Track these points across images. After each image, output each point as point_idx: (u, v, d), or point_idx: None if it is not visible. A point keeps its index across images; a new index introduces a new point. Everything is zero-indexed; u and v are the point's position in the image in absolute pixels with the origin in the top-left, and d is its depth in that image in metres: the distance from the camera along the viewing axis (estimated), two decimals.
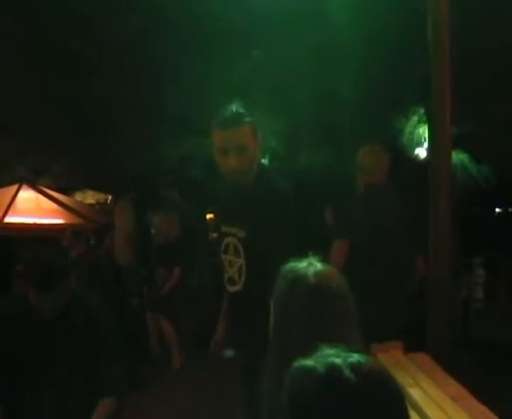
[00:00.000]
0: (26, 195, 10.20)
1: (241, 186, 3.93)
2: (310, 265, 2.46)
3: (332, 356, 1.65)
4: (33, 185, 10.58)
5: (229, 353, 5.09)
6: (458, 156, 8.00)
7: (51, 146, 13.65)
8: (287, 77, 12.57)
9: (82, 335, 3.93)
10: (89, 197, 14.48)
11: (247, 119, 3.82)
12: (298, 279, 2.41)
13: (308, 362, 1.67)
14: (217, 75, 12.66)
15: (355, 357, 1.65)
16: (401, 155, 11.84)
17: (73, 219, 10.31)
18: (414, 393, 2.98)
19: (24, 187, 10.26)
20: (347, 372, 1.59)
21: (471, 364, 5.94)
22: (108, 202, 14.58)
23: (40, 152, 13.81)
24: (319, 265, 2.46)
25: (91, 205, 13.54)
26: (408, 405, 2.63)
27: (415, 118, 12.94)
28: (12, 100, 13.09)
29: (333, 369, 1.61)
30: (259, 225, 3.65)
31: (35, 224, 9.64)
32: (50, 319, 3.89)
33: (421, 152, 12.52)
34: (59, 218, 10.09)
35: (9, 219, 9.61)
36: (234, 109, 3.82)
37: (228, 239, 4.01)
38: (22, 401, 3.90)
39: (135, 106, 12.91)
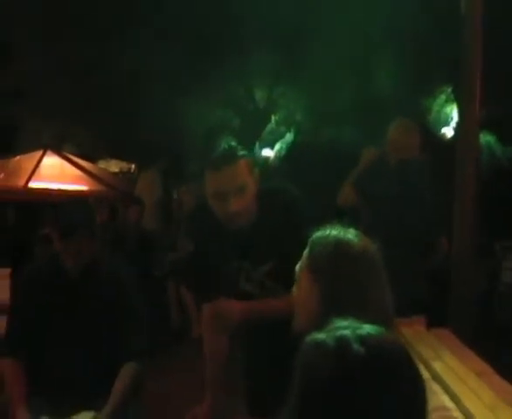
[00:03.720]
0: (50, 162, 10.18)
1: (243, 227, 3.43)
2: (345, 231, 2.39)
3: (343, 329, 1.64)
4: (58, 151, 10.56)
5: None
6: (484, 138, 7.91)
7: (77, 114, 13.71)
8: (314, 52, 12.51)
9: (107, 298, 3.98)
10: (113, 166, 14.50)
11: (241, 153, 3.38)
12: (343, 244, 2.34)
13: (319, 336, 1.65)
14: (246, 52, 12.66)
15: (365, 329, 1.64)
16: (428, 134, 11.76)
17: (97, 186, 10.29)
18: (437, 366, 2.96)
19: (49, 153, 10.20)
20: (356, 345, 1.57)
21: (494, 344, 5.89)
22: (132, 170, 14.60)
23: (65, 120, 13.85)
24: (351, 230, 2.40)
25: (114, 173, 13.57)
26: (426, 378, 2.67)
27: (442, 97, 12.85)
28: (38, 68, 13.14)
29: (342, 342, 1.60)
30: (286, 254, 2.97)
31: (59, 190, 9.64)
32: (75, 278, 3.95)
33: (448, 131, 12.44)
34: (83, 185, 10.08)
35: (33, 184, 9.63)
36: (227, 146, 3.36)
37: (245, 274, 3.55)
38: (46, 361, 3.95)
39: (163, 77, 12.93)
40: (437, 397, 2.56)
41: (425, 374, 2.83)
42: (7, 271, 8.78)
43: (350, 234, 2.38)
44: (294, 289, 2.50)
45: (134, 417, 3.91)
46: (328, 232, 2.39)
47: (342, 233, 2.37)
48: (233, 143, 3.38)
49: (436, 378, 2.84)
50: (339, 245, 2.34)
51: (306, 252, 2.44)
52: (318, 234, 2.42)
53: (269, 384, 3.09)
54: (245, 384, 3.81)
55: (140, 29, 12.68)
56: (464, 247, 5.25)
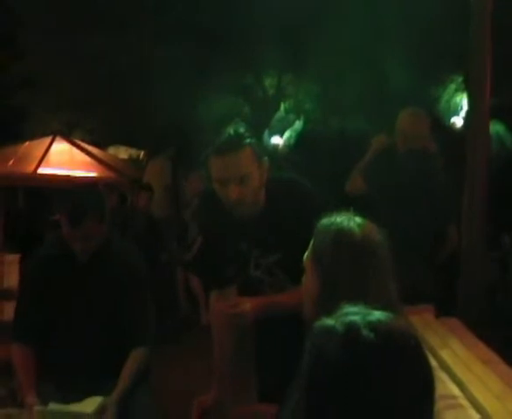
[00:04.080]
0: (60, 148, 10.25)
1: (248, 216, 3.40)
2: (350, 219, 2.41)
3: (352, 314, 1.65)
4: (67, 138, 10.60)
5: None
6: (494, 127, 7.87)
7: (87, 101, 13.75)
8: (324, 40, 12.50)
9: (116, 283, 3.99)
10: (122, 152, 14.49)
11: (248, 140, 3.28)
12: (344, 232, 2.36)
13: (329, 321, 1.65)
14: (259, 39, 12.65)
15: (375, 315, 1.64)
16: (437, 123, 11.74)
17: (106, 173, 10.35)
18: (444, 354, 2.98)
19: (58, 139, 10.26)
20: (365, 331, 1.58)
21: (503, 334, 5.89)
22: (141, 157, 14.63)
23: (76, 107, 13.90)
24: (357, 218, 2.42)
25: (123, 160, 13.59)
26: (433, 366, 2.68)
27: (452, 86, 12.83)
28: (49, 57, 13.18)
29: (351, 328, 1.60)
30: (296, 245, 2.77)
31: (68, 176, 9.67)
32: (84, 261, 3.97)
33: (458, 120, 12.42)
34: (92, 171, 10.12)
35: (42, 171, 9.67)
36: (232, 131, 3.28)
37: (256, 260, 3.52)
38: (54, 346, 3.97)
39: (174, 65, 12.93)
40: (444, 385, 2.57)
41: (433, 363, 2.66)
42: (17, 256, 8.87)
43: (353, 222, 2.39)
44: (303, 278, 2.52)
45: (142, 402, 3.89)
46: (332, 220, 2.41)
47: (345, 221, 2.39)
48: (242, 130, 3.33)
49: (443, 366, 2.85)
50: (339, 233, 2.36)
51: (313, 238, 2.45)
52: (323, 222, 2.44)
53: (280, 374, 2.99)
54: (256, 374, 3.79)
55: (152, 19, 12.72)
56: (473, 237, 5.24)
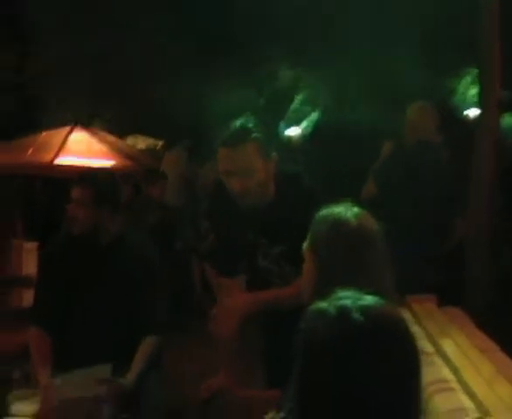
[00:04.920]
0: (78, 137, 10.26)
1: (255, 207, 3.48)
2: (347, 209, 2.46)
3: (344, 298, 1.71)
4: (85, 127, 10.61)
5: None
6: (508, 119, 7.85)
7: (106, 91, 13.77)
8: (341, 33, 12.45)
9: (129, 271, 4.13)
10: (140, 142, 14.51)
11: (253, 135, 3.35)
12: (339, 222, 2.41)
13: (322, 304, 1.72)
14: (273, 30, 12.63)
15: (367, 300, 1.71)
16: (452, 115, 11.69)
17: (124, 162, 10.35)
18: (442, 342, 3.01)
19: (76, 129, 10.29)
20: (356, 314, 1.64)
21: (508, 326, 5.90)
22: (158, 147, 14.62)
23: (94, 97, 13.92)
24: (355, 208, 2.48)
25: (141, 150, 13.63)
26: (430, 352, 2.82)
27: (468, 78, 12.73)
28: (68, 47, 13.21)
29: (343, 311, 1.67)
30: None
31: (86, 166, 9.74)
32: (99, 251, 4.13)
33: (472, 113, 12.35)
34: (110, 160, 10.10)
35: (60, 160, 9.70)
36: (239, 125, 3.38)
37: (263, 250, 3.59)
38: (69, 332, 4.09)
39: (190, 57, 12.98)
40: (438, 370, 2.62)
41: (430, 349, 2.92)
42: (35, 244, 8.97)
43: (351, 212, 2.45)
44: (304, 266, 2.58)
45: (152, 389, 3.99)
46: (329, 211, 2.48)
47: (342, 211, 2.45)
48: (249, 124, 3.40)
49: (440, 352, 2.89)
50: (336, 223, 2.42)
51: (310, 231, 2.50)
52: (321, 213, 2.51)
53: (288, 363, 3.10)
54: (263, 363, 3.90)
55: (166, 11, 12.73)
56: (479, 226, 5.24)
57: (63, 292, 4.10)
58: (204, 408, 3.57)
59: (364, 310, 1.66)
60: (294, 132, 13.59)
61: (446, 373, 2.61)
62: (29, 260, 9.09)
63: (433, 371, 2.57)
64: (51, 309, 4.11)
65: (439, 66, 12.29)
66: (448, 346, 2.95)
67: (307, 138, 13.28)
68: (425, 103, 5.77)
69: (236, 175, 3.34)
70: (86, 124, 10.86)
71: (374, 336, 1.64)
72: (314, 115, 13.82)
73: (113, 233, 4.16)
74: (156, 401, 3.91)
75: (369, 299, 1.71)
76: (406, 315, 3.21)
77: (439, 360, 2.79)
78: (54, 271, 4.19)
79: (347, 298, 1.71)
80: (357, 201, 2.60)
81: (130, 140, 14.01)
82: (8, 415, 3.02)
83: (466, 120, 12.13)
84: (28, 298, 7.67)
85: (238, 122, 3.40)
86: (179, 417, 5.22)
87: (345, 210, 2.46)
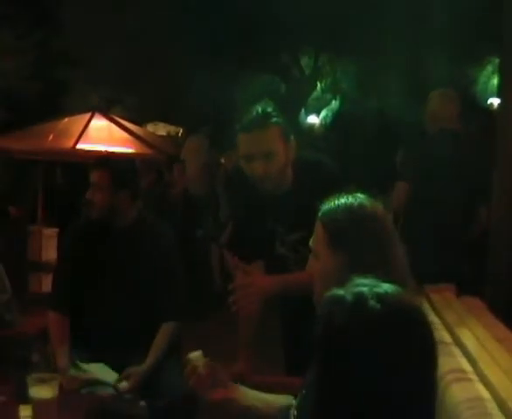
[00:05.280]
0: (98, 124, 10.34)
1: (274, 193, 3.51)
2: (354, 197, 2.42)
3: (362, 286, 1.72)
4: (105, 114, 10.65)
5: None
6: None
7: (126, 77, 13.81)
8: (364, 21, 12.41)
9: (148, 257, 4.11)
10: (160, 129, 14.50)
11: (275, 119, 3.40)
12: (355, 209, 2.38)
13: (339, 291, 1.73)
14: (296, 17, 12.61)
15: (383, 287, 1.72)
16: (474, 104, 11.65)
17: (144, 149, 10.45)
18: (459, 331, 2.96)
19: (97, 115, 10.38)
20: (372, 302, 1.65)
21: None
22: (179, 134, 14.61)
23: (115, 84, 13.96)
24: (360, 195, 2.44)
25: (162, 137, 13.60)
26: (447, 342, 2.79)
27: (489, 68, 12.68)
28: (89, 31, 13.26)
29: (359, 298, 1.67)
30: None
31: (106, 152, 9.76)
32: (118, 237, 4.16)
33: (495, 102, 12.30)
34: (130, 147, 10.19)
35: (81, 146, 9.79)
36: (260, 110, 3.40)
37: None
38: (89, 316, 4.12)
39: (210, 44, 12.98)
40: (455, 360, 2.60)
41: (448, 339, 2.88)
42: (55, 231, 9.02)
43: (360, 198, 2.42)
44: (311, 261, 2.55)
45: (171, 376, 3.92)
46: (338, 201, 2.43)
47: (352, 199, 2.41)
48: (269, 109, 3.43)
49: (457, 342, 2.85)
50: (352, 211, 2.38)
51: (319, 225, 2.45)
52: (328, 205, 2.45)
53: (307, 347, 3.08)
54: (282, 350, 3.92)
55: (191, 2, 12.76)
56: (502, 215, 5.20)
57: (82, 277, 4.12)
58: None
59: (381, 297, 1.67)
60: (314, 120, 13.57)
61: (463, 362, 2.58)
62: (49, 246, 9.16)
63: (451, 361, 2.54)
64: (70, 294, 4.14)
65: (463, 56, 12.22)
66: (466, 336, 2.90)
67: (328, 126, 13.24)
68: (447, 90, 5.78)
69: (258, 158, 3.36)
70: (106, 110, 10.85)
71: (390, 323, 1.65)
72: (336, 104, 13.80)
73: (131, 218, 4.17)
74: (175, 387, 3.78)
75: (386, 287, 1.72)
76: (424, 304, 3.17)
77: (456, 350, 2.75)
78: (73, 255, 4.21)
79: (364, 285, 1.72)
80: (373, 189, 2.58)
81: (151, 127, 14.02)
82: (27, 397, 3.03)
83: (490, 108, 12.02)
84: (47, 283, 7.72)
85: (258, 107, 3.42)
86: (196, 404, 5.22)
87: (353, 198, 2.42)
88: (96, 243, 4.17)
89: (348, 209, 2.40)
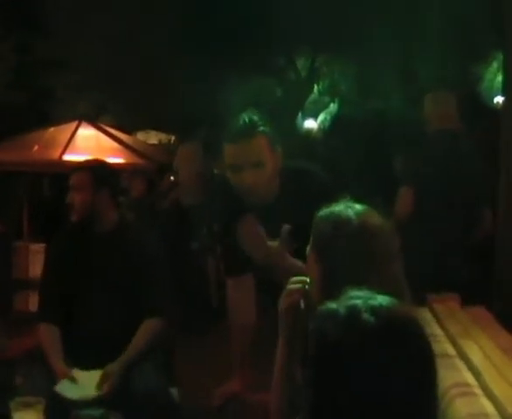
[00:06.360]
0: (86, 133, 10.19)
1: (260, 204, 3.47)
2: (348, 207, 2.40)
3: (355, 298, 1.70)
4: (93, 122, 10.54)
5: None
6: None
7: (116, 85, 13.84)
8: (362, 20, 12.38)
9: (128, 257, 4.21)
10: (152, 137, 14.60)
11: (261, 128, 3.39)
12: (340, 221, 2.36)
13: (332, 305, 1.72)
14: (292, 18, 12.57)
15: (377, 300, 1.70)
16: (479, 102, 11.61)
17: (134, 158, 10.31)
18: (463, 343, 2.88)
19: (84, 124, 10.27)
20: (366, 315, 1.63)
21: None
22: (171, 142, 14.62)
23: (104, 91, 14.00)
24: (356, 206, 2.41)
25: (153, 145, 13.57)
26: (451, 354, 2.75)
27: (495, 64, 12.64)
28: (74, 36, 13.25)
29: (353, 311, 1.66)
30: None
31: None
32: (101, 243, 4.23)
33: (501, 100, 12.18)
34: (120, 157, 10.05)
35: (67, 157, 9.56)
36: (247, 119, 3.39)
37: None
38: (76, 320, 4.18)
39: (204, 48, 12.94)
40: (460, 374, 2.54)
41: (451, 351, 2.85)
42: (42, 246, 8.89)
43: (351, 209, 2.40)
44: (305, 268, 2.55)
45: (147, 374, 3.91)
46: (330, 210, 2.43)
47: (343, 210, 2.40)
48: (255, 117, 3.41)
49: (461, 355, 2.78)
50: (337, 222, 2.37)
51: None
52: (321, 213, 2.45)
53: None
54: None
55: (180, 3, 12.79)
56: (509, 219, 5.04)
57: (66, 283, 4.21)
58: (218, 416, 3.65)
59: (375, 310, 1.66)
60: (312, 124, 13.50)
61: (467, 376, 2.52)
62: (35, 262, 9.08)
63: (455, 374, 2.52)
64: (57, 302, 4.22)
65: (467, 53, 12.23)
66: (470, 347, 2.84)
67: (326, 130, 13.19)
68: (443, 91, 5.84)
69: (246, 169, 3.37)
70: (94, 118, 10.72)
71: (385, 337, 1.63)
72: (334, 107, 13.78)
73: (112, 221, 4.27)
74: (147, 388, 3.80)
75: (380, 299, 1.71)
76: (427, 315, 3.26)
77: (460, 363, 2.70)
78: (58, 264, 4.31)
79: (357, 297, 1.71)
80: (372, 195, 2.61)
81: (141, 136, 14.03)
82: None
83: (495, 107, 11.91)
84: (34, 301, 7.56)
85: (244, 116, 3.42)
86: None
87: (346, 209, 2.40)
88: (78, 248, 4.27)
89: (332, 219, 2.40)
